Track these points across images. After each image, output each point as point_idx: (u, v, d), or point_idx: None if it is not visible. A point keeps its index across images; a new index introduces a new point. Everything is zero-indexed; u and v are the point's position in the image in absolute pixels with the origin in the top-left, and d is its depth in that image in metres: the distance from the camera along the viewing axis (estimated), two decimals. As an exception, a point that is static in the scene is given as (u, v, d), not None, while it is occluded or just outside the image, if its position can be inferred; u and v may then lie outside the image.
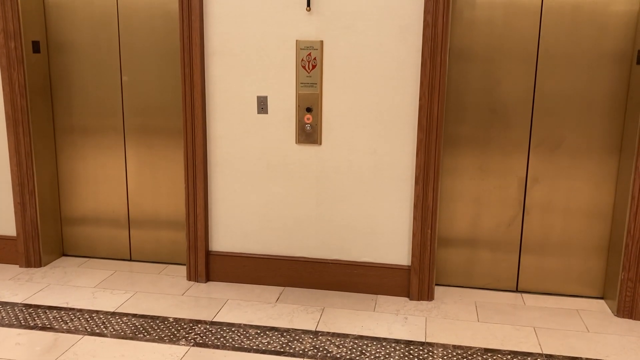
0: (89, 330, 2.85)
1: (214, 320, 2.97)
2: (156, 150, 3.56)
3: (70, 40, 3.52)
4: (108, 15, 3.45)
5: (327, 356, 2.62)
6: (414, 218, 3.12)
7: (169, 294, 3.28)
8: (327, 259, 3.30)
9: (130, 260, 3.79)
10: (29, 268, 3.64)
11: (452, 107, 3.15)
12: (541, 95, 3.08)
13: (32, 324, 2.90)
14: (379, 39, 3.01)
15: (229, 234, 3.39)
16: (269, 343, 2.74)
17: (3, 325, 2.89)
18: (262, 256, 3.38)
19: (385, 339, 2.78)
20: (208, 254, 3.42)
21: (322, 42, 3.06)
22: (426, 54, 2.94)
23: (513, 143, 3.16)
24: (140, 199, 3.67)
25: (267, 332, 2.84)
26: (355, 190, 3.20)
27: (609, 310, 3.09)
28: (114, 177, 3.66)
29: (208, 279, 3.44)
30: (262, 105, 3.18)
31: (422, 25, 2.93)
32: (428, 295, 3.18)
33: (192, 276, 3.43)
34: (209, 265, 3.43)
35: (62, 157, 3.68)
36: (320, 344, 2.73)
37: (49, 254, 3.72)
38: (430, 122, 3.00)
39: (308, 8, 3.02)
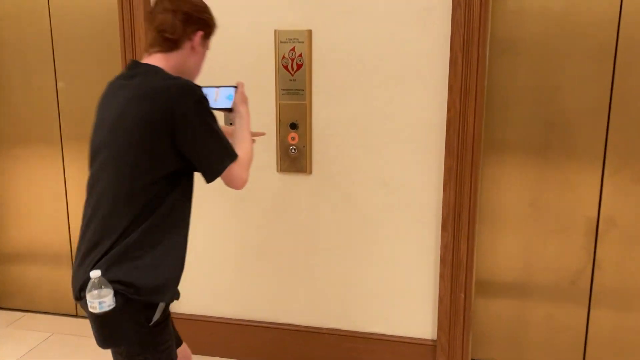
0: None
1: None
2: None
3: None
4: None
5: None
6: (441, 277, 2.24)
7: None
8: (321, 328, 2.44)
9: (76, 316, 2.99)
10: (-60, 330, 2.85)
11: (491, 120, 2.25)
12: (621, 103, 2.18)
13: None
14: (390, 27, 2.14)
15: (194, 292, 2.56)
16: None
17: None
18: (236, 321, 2.54)
19: None
20: (166, 316, 2.58)
21: (310, 32, 2.21)
22: (457, 47, 2.06)
23: (579, 170, 2.27)
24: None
25: None
26: (359, 236, 2.33)
27: None
28: (50, 198, 2.88)
29: (164, 351, 2.60)
30: (232, 120, 2.33)
31: (451, 6, 2.05)
32: (461, 383, 2.29)
33: (144, 347, 2.59)
34: (168, 331, 2.59)
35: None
36: None
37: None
38: (464, 144, 2.12)
39: (289, -15, 2.17)
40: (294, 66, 2.24)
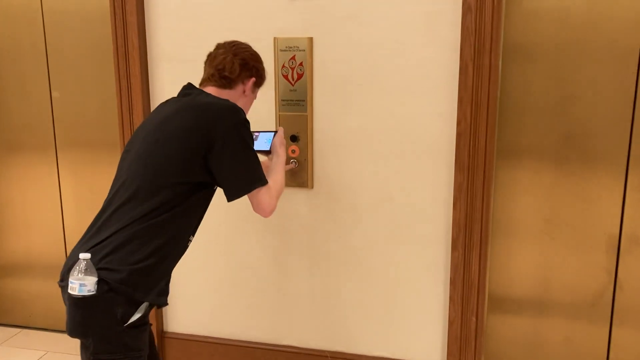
0: None
1: None
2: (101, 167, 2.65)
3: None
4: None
5: None
6: (451, 299, 2.10)
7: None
8: (323, 350, 2.32)
9: (73, 332, 2.87)
10: None
11: (504, 131, 2.11)
12: (646, 114, 2.02)
13: None
14: (395, 33, 2.01)
15: (189, 310, 2.45)
16: None
17: None
18: (234, 342, 2.42)
19: None
20: (162, 335, 2.48)
21: (311, 39, 2.08)
22: (467, 55, 1.93)
23: (599, 184, 2.13)
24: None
25: None
26: (364, 254, 2.20)
27: None
28: (45, 207, 2.79)
29: (161, 372, 2.49)
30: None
31: (461, 11, 1.92)
32: (472, 412, 2.15)
33: (139, 368, 2.48)
34: (164, 351, 2.48)
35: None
36: None
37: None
38: (475, 158, 1.98)
39: (289, -11, 2.04)
40: (294, 76, 2.12)
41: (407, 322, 2.22)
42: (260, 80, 1.79)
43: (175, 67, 2.24)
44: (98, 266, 1.43)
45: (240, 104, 1.69)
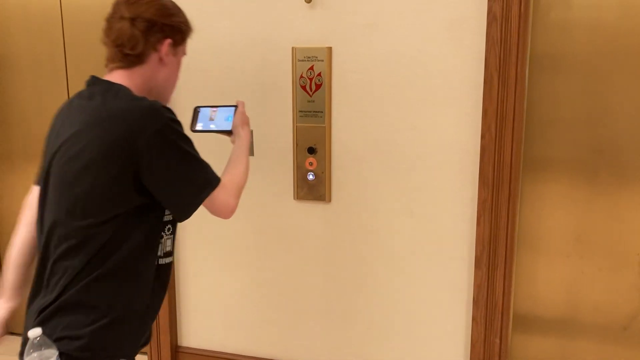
0: None
1: None
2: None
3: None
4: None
5: None
6: (474, 319, 2.01)
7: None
8: (340, 370, 2.23)
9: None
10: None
11: (530, 145, 2.02)
12: (682, 128, 1.92)
13: None
14: (417, 43, 1.94)
15: (203, 325, 2.40)
16: None
17: None
18: (248, 358, 2.35)
19: None
20: (176, 350, 2.43)
21: (330, 49, 2.03)
22: (492, 66, 1.85)
23: (632, 201, 2.03)
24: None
25: None
26: (382, 271, 2.13)
27: None
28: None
29: (174, 387, 2.44)
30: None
31: (486, 20, 1.84)
32: None
33: (153, 383, 2.45)
34: (178, 367, 2.44)
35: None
36: None
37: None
38: (500, 173, 1.90)
39: (308, -2, 1.99)
40: (312, 86, 2.06)
41: (427, 342, 2.13)
42: (179, 36, 1.40)
43: (188, 76, 2.20)
44: (54, 337, 1.20)
45: (161, 77, 1.37)
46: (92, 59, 2.54)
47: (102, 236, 1.23)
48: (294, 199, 2.17)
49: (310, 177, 2.12)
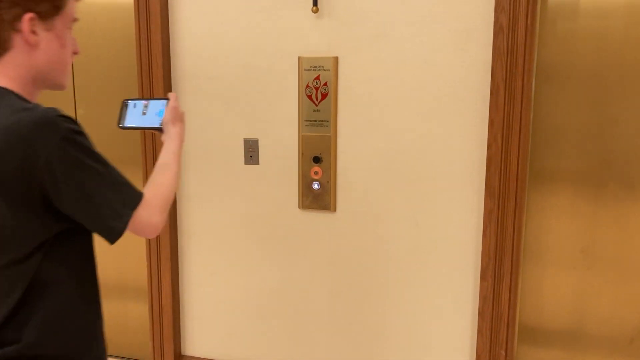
0: None
1: None
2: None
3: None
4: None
5: None
6: (479, 331, 2.00)
7: None
8: (345, 381, 2.22)
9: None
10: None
11: (537, 156, 2.02)
12: (690, 140, 1.91)
13: None
14: (423, 53, 1.94)
15: (207, 333, 2.38)
16: None
17: None
18: (253, 368, 2.34)
19: None
20: (179, 358, 2.42)
21: (336, 58, 2.03)
22: (499, 76, 1.85)
23: (639, 213, 1.98)
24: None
25: None
26: (387, 281, 2.11)
27: None
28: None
29: (177, 396, 2.43)
30: (251, 151, 2.17)
31: (493, 31, 1.84)
32: None
33: (155, 392, 2.44)
34: (181, 375, 2.43)
35: None
36: None
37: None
38: (506, 183, 1.89)
39: (314, 8, 2.00)
40: (318, 95, 2.06)
41: (433, 353, 2.12)
42: (46, 5, 1.07)
43: (196, 85, 2.21)
44: None
45: (40, 60, 1.10)
46: (98, 65, 2.56)
47: (23, 275, 1.04)
48: (299, 208, 2.16)
49: (316, 186, 2.11)
